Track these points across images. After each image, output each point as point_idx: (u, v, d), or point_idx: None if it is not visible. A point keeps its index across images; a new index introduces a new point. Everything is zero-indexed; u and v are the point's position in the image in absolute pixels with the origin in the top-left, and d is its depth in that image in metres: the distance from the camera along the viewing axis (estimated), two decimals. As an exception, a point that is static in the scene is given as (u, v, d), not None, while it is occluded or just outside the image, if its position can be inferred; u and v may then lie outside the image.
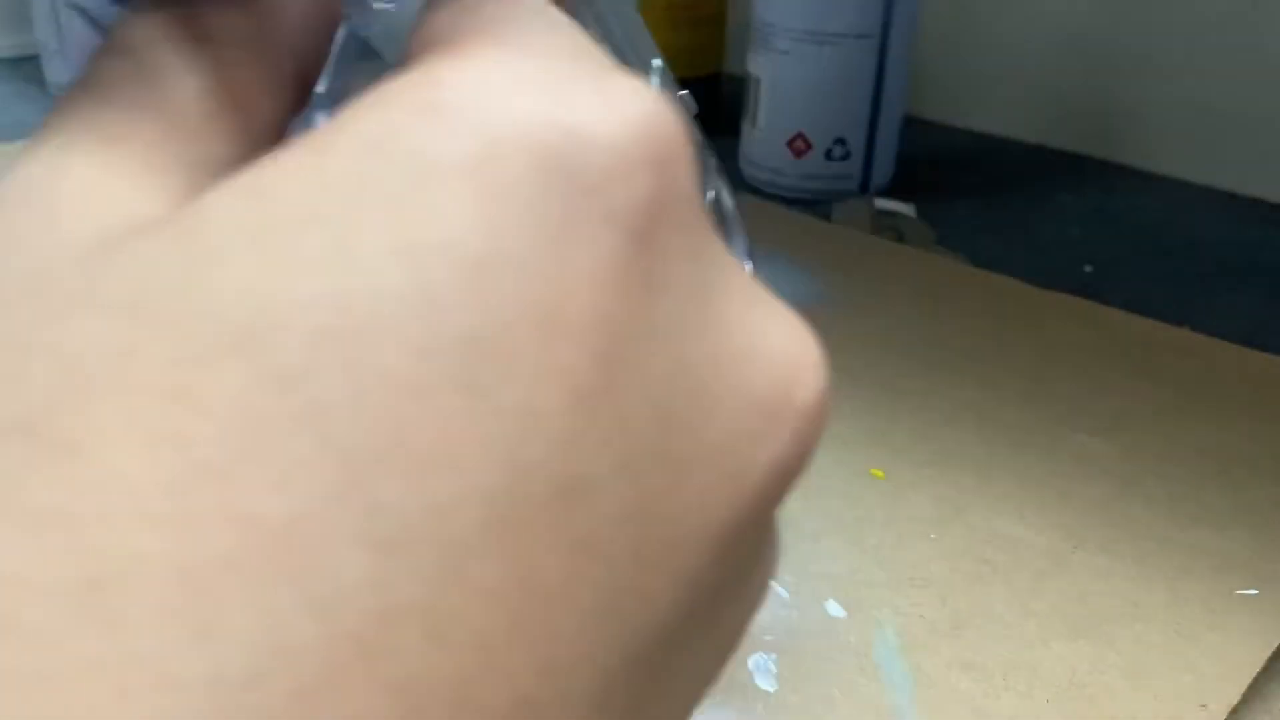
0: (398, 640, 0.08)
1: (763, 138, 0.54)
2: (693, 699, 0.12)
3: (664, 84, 0.19)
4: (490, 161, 0.10)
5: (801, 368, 0.12)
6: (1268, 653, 0.26)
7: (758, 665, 0.25)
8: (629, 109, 0.10)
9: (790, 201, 0.53)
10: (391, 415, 0.09)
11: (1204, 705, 0.25)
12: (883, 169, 0.54)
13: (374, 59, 0.16)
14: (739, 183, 0.55)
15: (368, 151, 0.10)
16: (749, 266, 0.21)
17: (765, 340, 0.12)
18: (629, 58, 0.17)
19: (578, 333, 0.10)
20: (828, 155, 0.53)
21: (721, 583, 0.11)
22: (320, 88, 0.14)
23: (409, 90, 0.10)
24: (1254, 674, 0.25)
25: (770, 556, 0.13)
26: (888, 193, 0.55)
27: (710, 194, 0.21)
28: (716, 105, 0.63)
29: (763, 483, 0.11)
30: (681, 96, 0.20)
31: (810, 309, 0.43)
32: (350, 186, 0.09)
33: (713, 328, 0.11)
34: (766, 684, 0.25)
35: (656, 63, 0.20)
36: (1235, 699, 0.25)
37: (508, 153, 0.10)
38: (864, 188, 0.54)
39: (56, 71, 0.63)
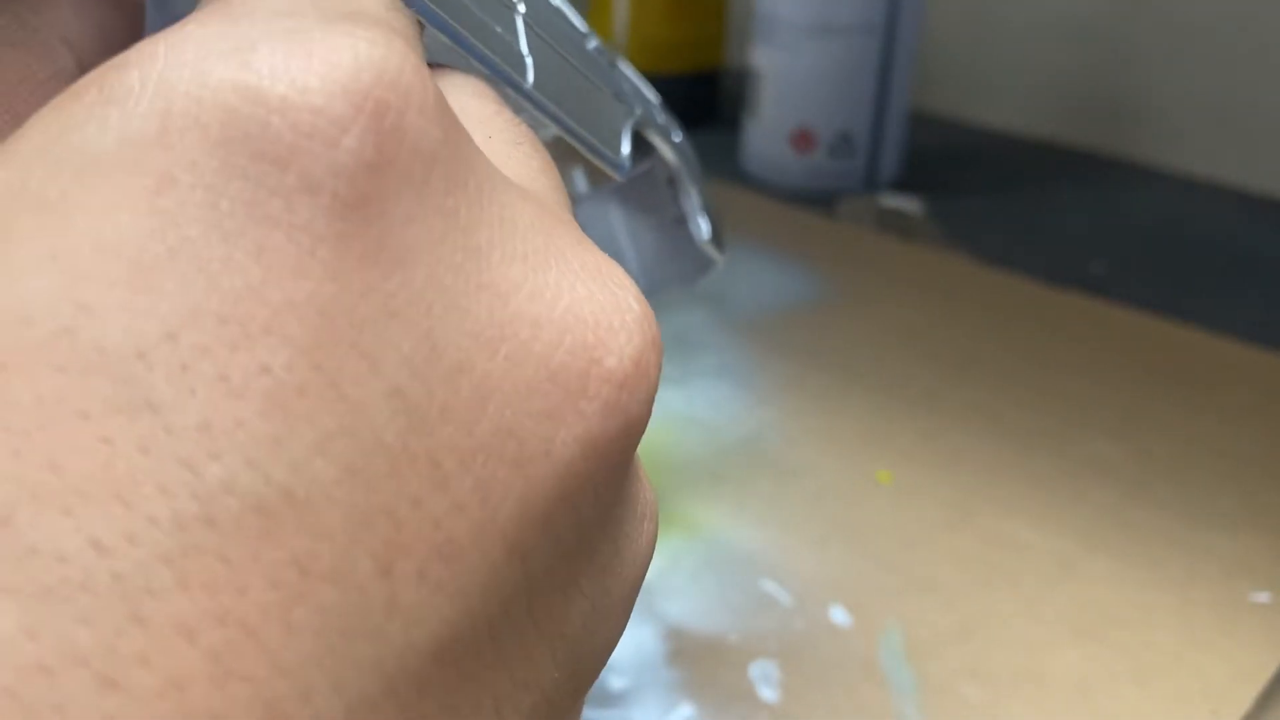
0: (63, 693, 0.07)
1: (765, 133, 0.54)
2: (542, 687, 0.11)
3: (660, 121, 0.19)
4: (162, 146, 0.09)
5: (609, 330, 0.11)
6: (1279, 659, 0.26)
7: (760, 674, 0.25)
8: (331, 59, 0.09)
9: (793, 198, 0.53)
10: (41, 446, 0.08)
11: (1214, 712, 0.24)
12: (888, 165, 0.54)
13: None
14: (740, 178, 0.55)
15: (36, 155, 0.09)
16: (705, 225, 0.20)
17: (561, 304, 0.10)
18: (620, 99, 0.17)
19: (273, 328, 0.09)
20: (831, 151, 0.53)
21: (537, 573, 0.10)
22: None
23: (94, 80, 0.09)
24: (1265, 681, 0.25)
25: (628, 530, 0.12)
26: (893, 189, 0.54)
27: (646, 165, 0.21)
28: (717, 99, 0.62)
29: (568, 463, 0.10)
30: (679, 144, 0.20)
31: (814, 308, 0.43)
32: (10, 196, 0.08)
33: (480, 297, 0.10)
34: (769, 693, 0.24)
35: (653, 100, 0.20)
36: (1246, 705, 0.24)
37: (182, 132, 0.09)
38: (869, 184, 0.54)
39: None
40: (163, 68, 0.09)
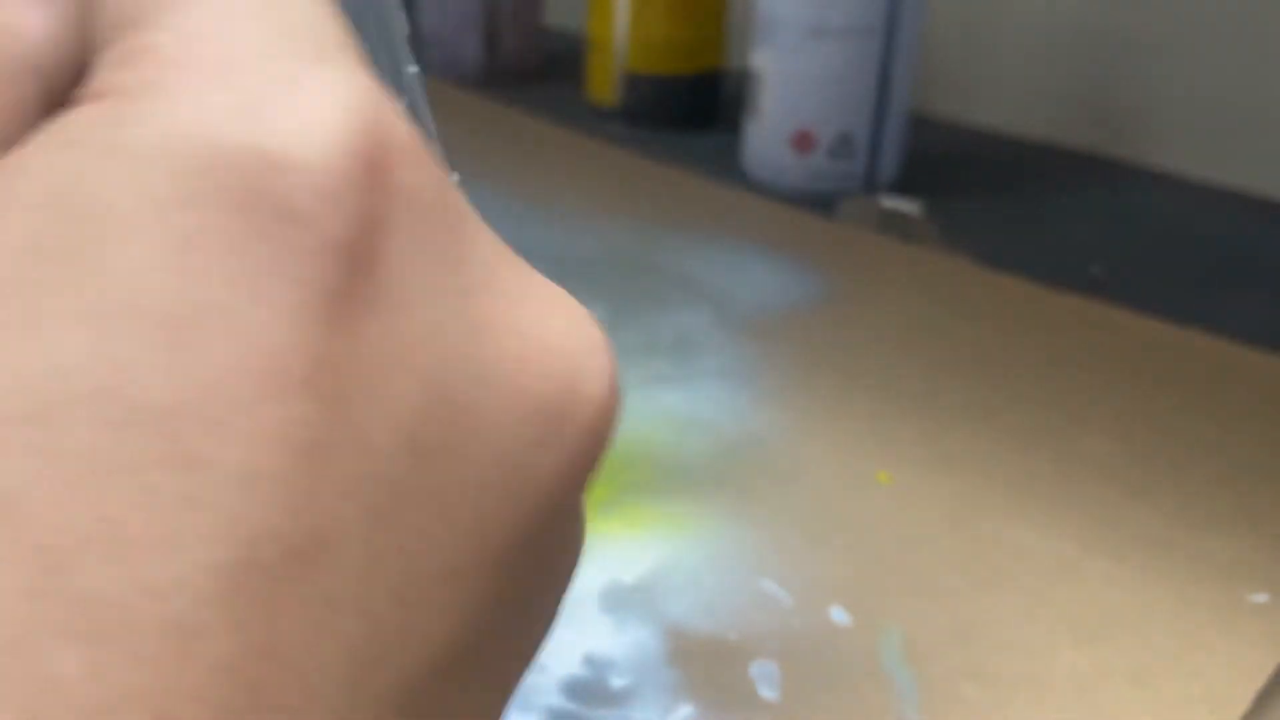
0: None
1: (765, 134, 0.54)
2: (507, 689, 0.12)
3: (416, 94, 0.19)
4: (182, 204, 0.09)
5: (585, 357, 0.12)
6: (1278, 659, 0.26)
7: (760, 674, 0.25)
8: (331, 115, 0.10)
9: (793, 199, 0.53)
10: (92, 499, 0.08)
11: (1213, 712, 0.24)
12: (888, 166, 0.54)
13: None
14: (741, 180, 0.55)
15: (50, 204, 0.09)
16: (452, 176, 0.20)
17: (540, 336, 0.11)
18: (381, 61, 0.17)
19: (296, 380, 0.09)
20: (832, 152, 0.53)
21: (516, 589, 0.11)
22: None
23: (96, 126, 0.09)
24: (1264, 681, 0.25)
25: (574, 541, 0.13)
26: (893, 191, 0.54)
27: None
28: (717, 101, 0.62)
29: (550, 488, 0.11)
30: (412, 74, 0.20)
31: (814, 309, 0.43)
32: (31, 247, 0.09)
33: (471, 335, 0.10)
34: (769, 693, 0.24)
35: (412, 70, 0.20)
36: (1245, 706, 0.24)
37: (200, 191, 0.09)
38: (869, 186, 0.54)
39: None
40: (166, 123, 0.09)
